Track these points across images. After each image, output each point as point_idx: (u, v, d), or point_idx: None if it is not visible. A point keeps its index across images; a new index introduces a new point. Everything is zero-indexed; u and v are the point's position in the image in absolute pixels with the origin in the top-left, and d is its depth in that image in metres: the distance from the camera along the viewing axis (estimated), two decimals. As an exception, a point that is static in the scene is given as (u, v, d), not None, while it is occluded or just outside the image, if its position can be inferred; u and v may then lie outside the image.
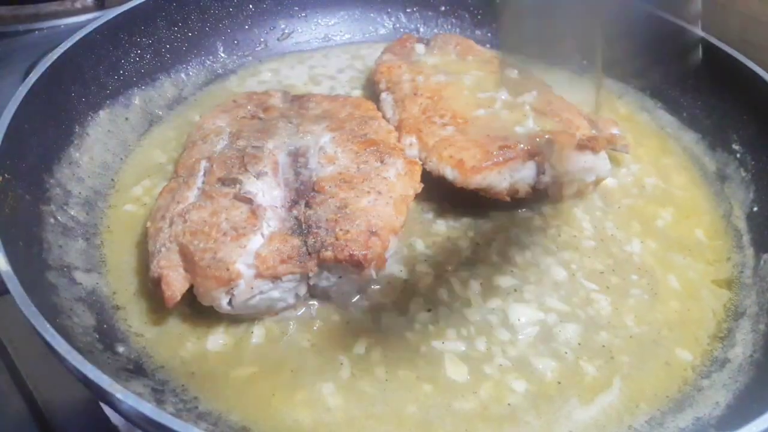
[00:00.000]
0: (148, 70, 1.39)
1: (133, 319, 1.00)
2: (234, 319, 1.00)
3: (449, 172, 1.15)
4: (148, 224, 1.04)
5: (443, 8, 1.66)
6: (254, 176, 1.04)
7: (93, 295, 1.01)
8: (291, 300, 1.00)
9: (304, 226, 0.99)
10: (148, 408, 0.75)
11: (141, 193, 1.20)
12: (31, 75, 1.13)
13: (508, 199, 1.15)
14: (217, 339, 0.98)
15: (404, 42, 1.47)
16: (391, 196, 1.05)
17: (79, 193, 1.14)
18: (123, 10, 1.33)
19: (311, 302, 1.03)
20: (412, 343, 0.99)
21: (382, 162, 1.11)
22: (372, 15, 1.66)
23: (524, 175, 1.15)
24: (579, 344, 1.01)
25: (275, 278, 0.95)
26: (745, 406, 0.92)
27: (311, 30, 1.62)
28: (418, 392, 0.94)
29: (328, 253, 0.96)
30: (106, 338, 0.94)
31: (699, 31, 1.40)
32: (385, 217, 1.02)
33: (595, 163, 1.18)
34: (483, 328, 1.01)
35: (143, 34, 1.38)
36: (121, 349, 0.94)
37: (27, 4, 1.69)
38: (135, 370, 0.92)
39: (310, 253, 0.96)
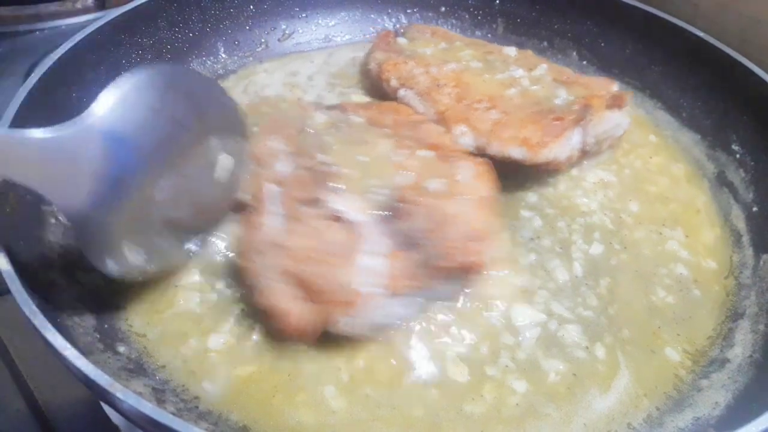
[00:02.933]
0: (149, 71, 1.39)
1: (135, 318, 1.00)
2: (236, 318, 1.01)
3: (516, 152, 1.18)
4: (240, 261, 1.00)
5: (443, 9, 1.67)
6: (336, 193, 1.02)
7: (94, 295, 1.01)
8: (413, 313, 0.99)
9: (406, 240, 0.98)
10: (148, 408, 0.75)
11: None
12: (32, 75, 1.13)
13: (565, 168, 1.23)
14: (219, 338, 0.98)
15: (386, 38, 1.48)
16: (474, 198, 1.06)
17: (80, 193, 1.15)
18: (124, 11, 1.34)
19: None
20: (416, 345, 0.99)
21: (452, 165, 1.11)
22: (372, 16, 1.66)
23: (575, 141, 1.22)
24: (581, 344, 1.01)
25: (398, 294, 0.95)
26: (744, 407, 0.92)
27: (312, 31, 1.62)
28: (426, 396, 0.93)
29: (443, 263, 0.96)
30: (106, 338, 0.95)
31: (698, 31, 1.41)
32: (479, 220, 1.03)
33: (621, 118, 1.29)
34: (486, 331, 1.01)
35: (144, 35, 1.39)
36: (121, 348, 0.94)
37: (28, 4, 1.69)
38: (135, 369, 0.92)
39: (425, 266, 0.96)
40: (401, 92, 1.34)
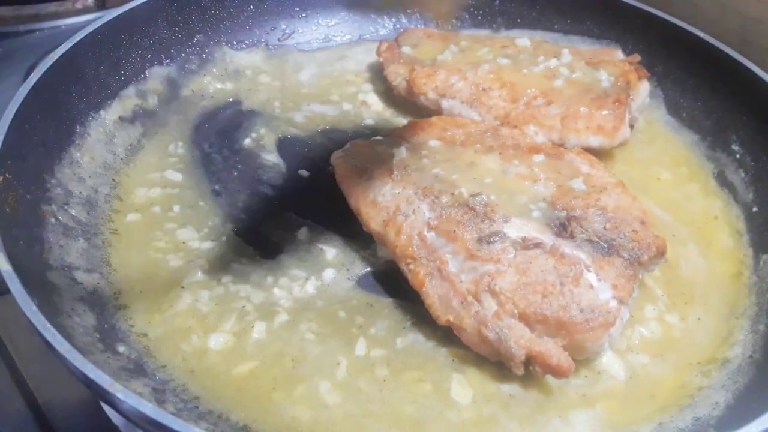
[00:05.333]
0: (148, 71, 1.39)
1: (136, 318, 1.00)
2: (238, 316, 1.01)
3: (594, 140, 1.24)
4: (444, 318, 0.96)
5: (443, 9, 1.66)
6: (503, 221, 1.00)
7: (94, 294, 1.01)
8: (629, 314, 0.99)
9: (599, 246, 0.97)
10: (148, 408, 0.75)
11: (143, 193, 1.20)
12: (32, 75, 1.13)
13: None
14: (219, 338, 0.98)
15: (392, 50, 1.47)
16: (614, 184, 1.08)
17: (80, 193, 1.15)
18: (124, 11, 1.34)
19: (316, 301, 1.04)
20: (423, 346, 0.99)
21: (570, 161, 1.13)
22: (372, 15, 1.66)
23: (627, 119, 1.27)
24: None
25: (627, 299, 0.95)
26: (744, 407, 0.92)
27: (312, 30, 1.62)
28: (417, 392, 0.93)
29: (644, 258, 0.98)
30: (106, 338, 0.94)
31: (698, 31, 1.41)
32: (633, 205, 1.06)
33: (648, 88, 1.36)
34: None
35: (144, 35, 1.38)
36: (121, 348, 0.94)
37: (28, 4, 1.69)
38: (135, 369, 0.92)
39: (632, 264, 0.97)
40: (445, 103, 1.34)
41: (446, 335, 0.98)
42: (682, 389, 0.97)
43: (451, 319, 0.95)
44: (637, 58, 1.39)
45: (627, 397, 0.95)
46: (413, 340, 1.00)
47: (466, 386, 0.94)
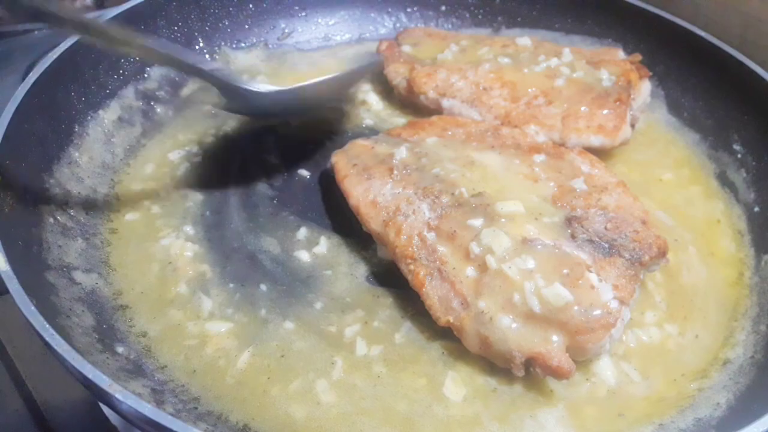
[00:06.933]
0: (148, 70, 1.39)
1: (137, 317, 1.00)
2: (236, 307, 1.00)
3: (595, 140, 1.24)
4: (444, 320, 0.96)
5: (443, 8, 1.66)
6: (504, 221, 0.99)
7: (92, 295, 1.01)
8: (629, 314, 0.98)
9: (600, 246, 0.97)
10: (147, 408, 0.75)
11: (142, 193, 1.20)
12: (30, 75, 1.13)
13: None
14: (218, 338, 0.98)
15: (392, 49, 1.47)
16: (615, 184, 1.08)
17: (79, 193, 1.14)
18: (123, 10, 1.34)
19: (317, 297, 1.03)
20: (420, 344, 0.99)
21: (571, 161, 1.12)
22: (372, 15, 1.66)
23: (629, 118, 1.27)
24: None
25: (628, 300, 0.94)
26: (745, 407, 0.91)
27: (311, 30, 1.62)
28: (410, 387, 0.94)
29: (645, 258, 0.97)
30: (105, 338, 0.94)
31: (699, 30, 1.41)
32: (634, 205, 1.05)
33: (649, 87, 1.36)
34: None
35: (143, 34, 1.38)
36: (120, 349, 0.94)
37: (27, 3, 1.68)
38: (134, 370, 0.91)
39: (633, 265, 0.96)
40: (445, 103, 1.33)
41: (442, 328, 0.98)
42: (663, 402, 0.96)
43: (452, 320, 0.95)
44: (638, 57, 1.39)
45: (607, 405, 0.94)
46: (410, 332, 1.00)
47: (459, 384, 0.94)
